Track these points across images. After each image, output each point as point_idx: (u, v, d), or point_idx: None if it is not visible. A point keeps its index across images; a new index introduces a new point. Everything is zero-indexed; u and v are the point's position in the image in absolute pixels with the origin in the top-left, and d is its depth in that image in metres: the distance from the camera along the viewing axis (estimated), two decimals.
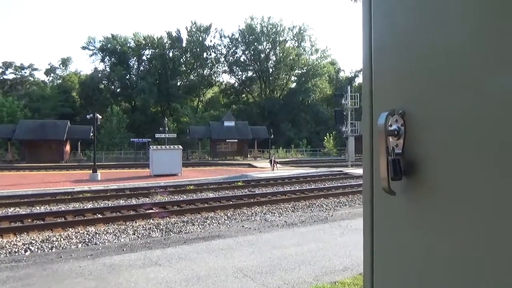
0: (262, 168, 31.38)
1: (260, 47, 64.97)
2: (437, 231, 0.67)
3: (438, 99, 0.67)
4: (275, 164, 28.24)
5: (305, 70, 66.21)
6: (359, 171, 24.59)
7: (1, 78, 61.16)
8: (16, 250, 7.70)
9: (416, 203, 0.71)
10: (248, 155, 46.98)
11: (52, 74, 65.82)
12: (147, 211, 11.38)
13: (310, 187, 17.24)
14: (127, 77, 61.07)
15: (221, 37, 69.15)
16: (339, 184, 18.00)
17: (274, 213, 11.58)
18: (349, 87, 41.11)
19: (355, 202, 13.59)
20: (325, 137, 51.40)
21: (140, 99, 57.05)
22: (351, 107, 38.63)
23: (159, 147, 27.92)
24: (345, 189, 16.08)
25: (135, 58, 62.33)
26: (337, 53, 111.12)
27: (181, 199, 14.08)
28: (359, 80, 76.15)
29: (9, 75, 61.82)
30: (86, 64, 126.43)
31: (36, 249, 7.78)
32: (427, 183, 0.69)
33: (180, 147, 27.55)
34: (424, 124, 0.70)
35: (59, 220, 10.22)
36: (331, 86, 68.83)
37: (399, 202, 0.73)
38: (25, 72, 62.54)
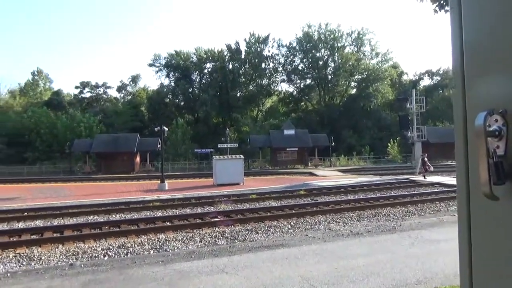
0: (324, 176, 30.85)
1: (318, 54, 64.36)
2: None
3: None
4: (427, 167, 23.31)
5: (365, 75, 64.32)
6: (427, 178, 23.18)
7: (80, 96, 67.12)
8: (96, 255, 8.31)
9: None
10: (309, 163, 46.53)
11: (123, 91, 70.95)
12: (212, 220, 11.70)
13: (375, 196, 16.61)
14: (190, 90, 63.72)
15: (278, 46, 69.75)
16: (406, 193, 17.11)
17: (339, 222, 11.32)
18: (413, 91, 39.36)
19: (425, 211, 12.84)
20: (388, 144, 49.39)
21: (203, 111, 59.17)
22: (417, 111, 36.92)
23: (221, 157, 28.60)
24: (414, 198, 15.27)
25: (197, 72, 64.86)
26: (400, 55, 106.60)
27: (245, 208, 14.29)
28: (424, 82, 72.37)
29: (86, 93, 67.75)
30: (153, 80, 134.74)
31: (113, 254, 8.34)
32: None
33: (242, 156, 27.94)
34: None
35: (132, 228, 10.88)
36: (393, 90, 66.10)
37: (503, 207, 0.68)
38: (100, 90, 68.13)
